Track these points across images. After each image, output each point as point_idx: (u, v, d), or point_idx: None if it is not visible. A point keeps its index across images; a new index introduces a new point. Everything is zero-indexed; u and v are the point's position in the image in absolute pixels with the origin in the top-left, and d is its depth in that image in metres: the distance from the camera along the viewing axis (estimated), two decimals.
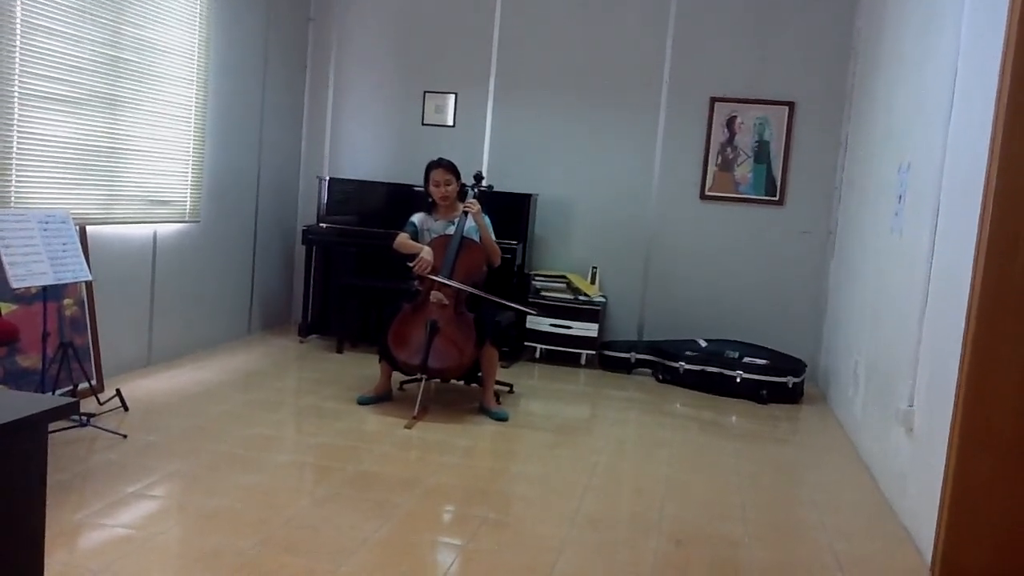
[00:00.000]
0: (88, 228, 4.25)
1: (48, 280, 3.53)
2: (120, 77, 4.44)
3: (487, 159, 6.29)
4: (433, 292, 4.44)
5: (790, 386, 5.25)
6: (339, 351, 5.75)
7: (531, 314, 5.46)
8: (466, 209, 4.51)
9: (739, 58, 5.91)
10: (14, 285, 3.39)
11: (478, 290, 4.46)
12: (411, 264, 4.45)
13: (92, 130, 4.29)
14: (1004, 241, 2.63)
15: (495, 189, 5.04)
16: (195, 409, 4.17)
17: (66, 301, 4.06)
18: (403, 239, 4.56)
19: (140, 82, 4.60)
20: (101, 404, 3.96)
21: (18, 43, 3.75)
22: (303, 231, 6.13)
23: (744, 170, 5.97)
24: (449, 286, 4.40)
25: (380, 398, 4.53)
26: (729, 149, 5.97)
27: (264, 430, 3.94)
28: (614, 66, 6.08)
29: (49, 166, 4.03)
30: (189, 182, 5.14)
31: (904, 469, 3.37)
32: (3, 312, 3.66)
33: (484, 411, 4.46)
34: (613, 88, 6.09)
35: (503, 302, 4.56)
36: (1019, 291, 2.63)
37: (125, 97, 4.50)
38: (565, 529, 3.05)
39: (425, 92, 6.37)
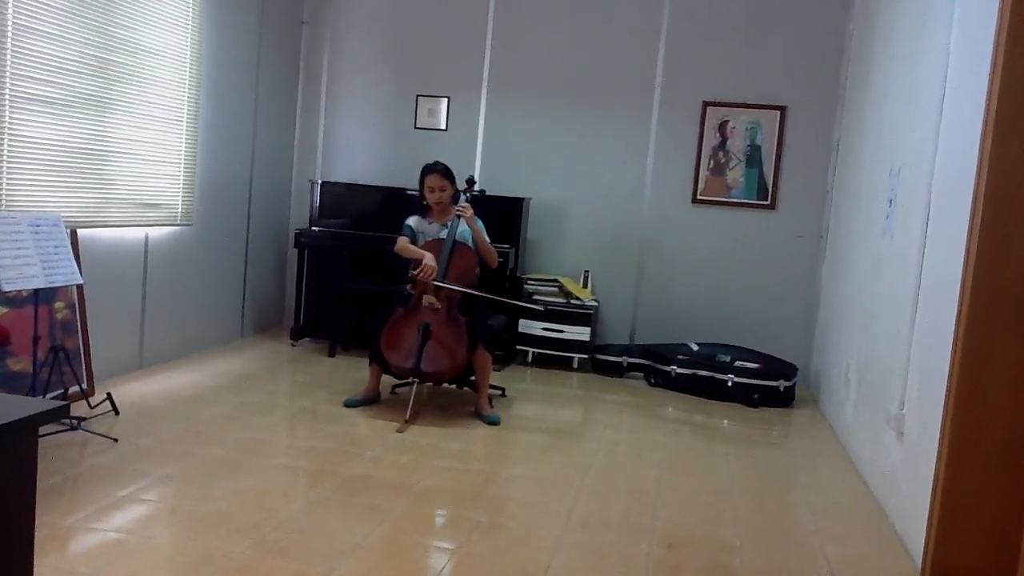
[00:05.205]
0: (79, 231, 4.24)
1: (39, 283, 3.51)
2: (111, 80, 4.43)
3: (480, 163, 6.29)
4: (425, 296, 4.43)
5: (782, 390, 5.26)
6: (331, 355, 5.74)
7: (538, 310, 5.40)
8: (458, 213, 4.51)
9: (731, 62, 5.93)
10: (5, 288, 3.37)
11: (473, 290, 4.47)
12: (414, 271, 4.46)
13: (83, 133, 4.27)
14: (994, 244, 2.65)
15: (487, 193, 5.04)
16: (187, 412, 4.15)
17: (57, 304, 4.04)
18: (404, 243, 4.56)
19: (131, 85, 4.59)
20: (92, 408, 3.94)
21: (9, 45, 3.74)
22: (295, 234, 6.12)
23: (736, 174, 5.99)
24: (442, 289, 4.40)
25: (368, 400, 4.53)
26: (721, 153, 5.99)
27: (256, 434, 3.93)
28: (606, 70, 6.09)
29: (40, 169, 4.02)
30: (181, 185, 5.12)
31: (895, 472, 3.38)
32: None
33: (477, 415, 4.46)
34: (605, 92, 6.10)
35: (501, 299, 4.57)
36: (1009, 294, 2.65)
37: (116, 100, 4.48)
38: (558, 532, 3.05)
39: (418, 96, 6.37)
